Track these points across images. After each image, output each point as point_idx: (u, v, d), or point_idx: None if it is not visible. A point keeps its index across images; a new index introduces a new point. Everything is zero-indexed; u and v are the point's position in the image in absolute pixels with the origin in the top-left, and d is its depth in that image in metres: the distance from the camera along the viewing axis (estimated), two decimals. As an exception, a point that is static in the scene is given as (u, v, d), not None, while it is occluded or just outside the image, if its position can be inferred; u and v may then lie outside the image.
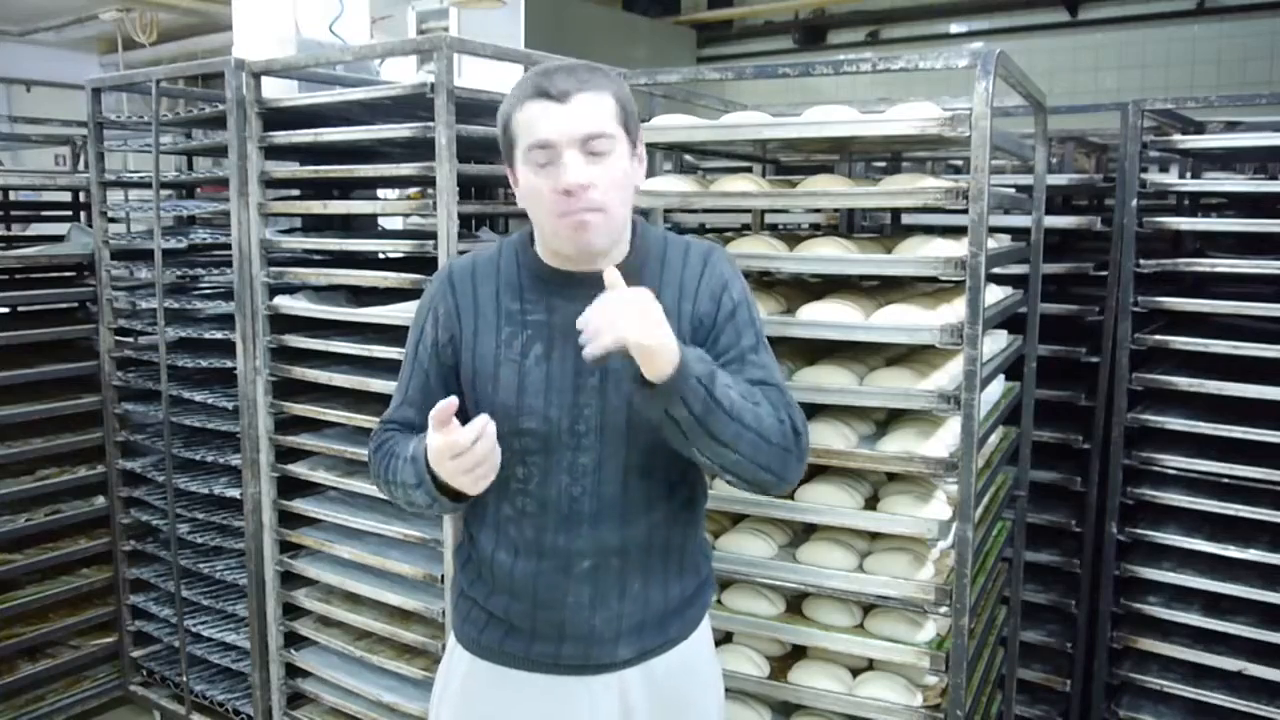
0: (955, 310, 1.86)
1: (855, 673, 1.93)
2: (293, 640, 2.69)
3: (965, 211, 1.67)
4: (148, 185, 2.78)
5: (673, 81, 2.15)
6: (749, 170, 2.92)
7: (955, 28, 5.97)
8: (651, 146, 1.98)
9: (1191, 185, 2.62)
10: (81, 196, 3.56)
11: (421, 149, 2.16)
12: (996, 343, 2.15)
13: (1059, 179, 2.67)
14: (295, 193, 2.95)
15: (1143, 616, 2.51)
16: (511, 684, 1.43)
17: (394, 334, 2.29)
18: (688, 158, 2.81)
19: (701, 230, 2.93)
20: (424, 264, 2.25)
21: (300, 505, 2.58)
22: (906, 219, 2.72)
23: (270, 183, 2.52)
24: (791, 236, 2.13)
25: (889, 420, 1.99)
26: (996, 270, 2.29)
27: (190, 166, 3.20)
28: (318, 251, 2.75)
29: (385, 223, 3.55)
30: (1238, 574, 2.37)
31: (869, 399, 1.84)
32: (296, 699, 2.72)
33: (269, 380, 2.56)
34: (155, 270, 2.75)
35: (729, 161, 3.04)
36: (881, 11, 6.13)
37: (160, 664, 3.09)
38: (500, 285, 1.41)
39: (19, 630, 2.97)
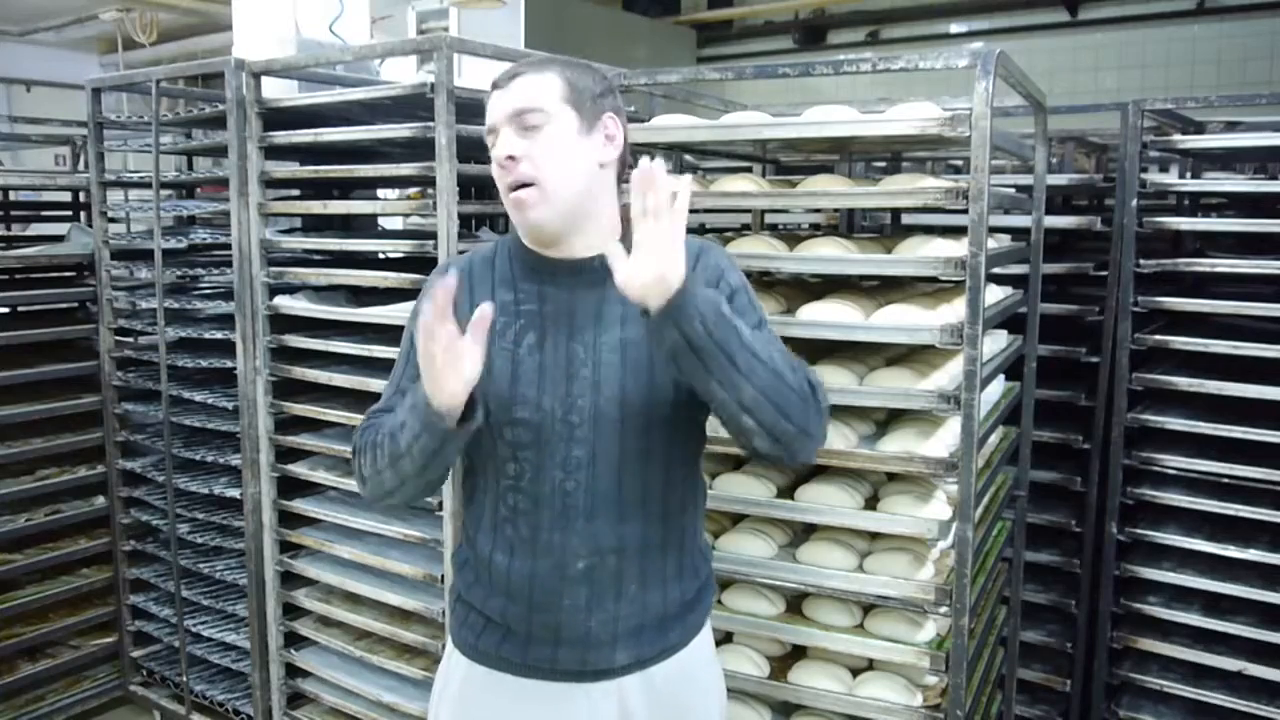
0: (955, 310, 1.86)
1: (855, 673, 1.93)
2: (293, 640, 2.69)
3: (965, 211, 1.67)
4: (148, 185, 2.78)
5: (673, 81, 2.15)
6: (749, 170, 2.92)
7: (955, 28, 5.97)
8: (651, 146, 1.98)
9: (1191, 185, 2.62)
10: (81, 196, 3.56)
11: (421, 149, 2.16)
12: (996, 343, 2.15)
13: (1059, 179, 2.67)
14: (295, 193, 2.95)
15: (1143, 616, 2.51)
16: (509, 690, 1.43)
17: (394, 334, 2.27)
18: (688, 158, 2.81)
19: (702, 230, 2.92)
20: (424, 264, 2.25)
21: (300, 505, 2.58)
22: (906, 219, 2.72)
23: (270, 183, 2.52)
24: (791, 236, 2.12)
25: (889, 420, 1.99)
26: (996, 270, 2.29)
27: (190, 166, 3.20)
28: (318, 251, 2.75)
29: (385, 223, 3.55)
30: (1238, 574, 2.37)
31: (869, 399, 1.84)
32: (296, 699, 2.72)
33: (269, 380, 2.56)
34: (155, 270, 2.75)
35: (729, 161, 3.04)
36: (881, 11, 6.13)
37: (160, 664, 3.09)
38: (496, 279, 1.42)
39: (19, 630, 2.97)
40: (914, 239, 1.94)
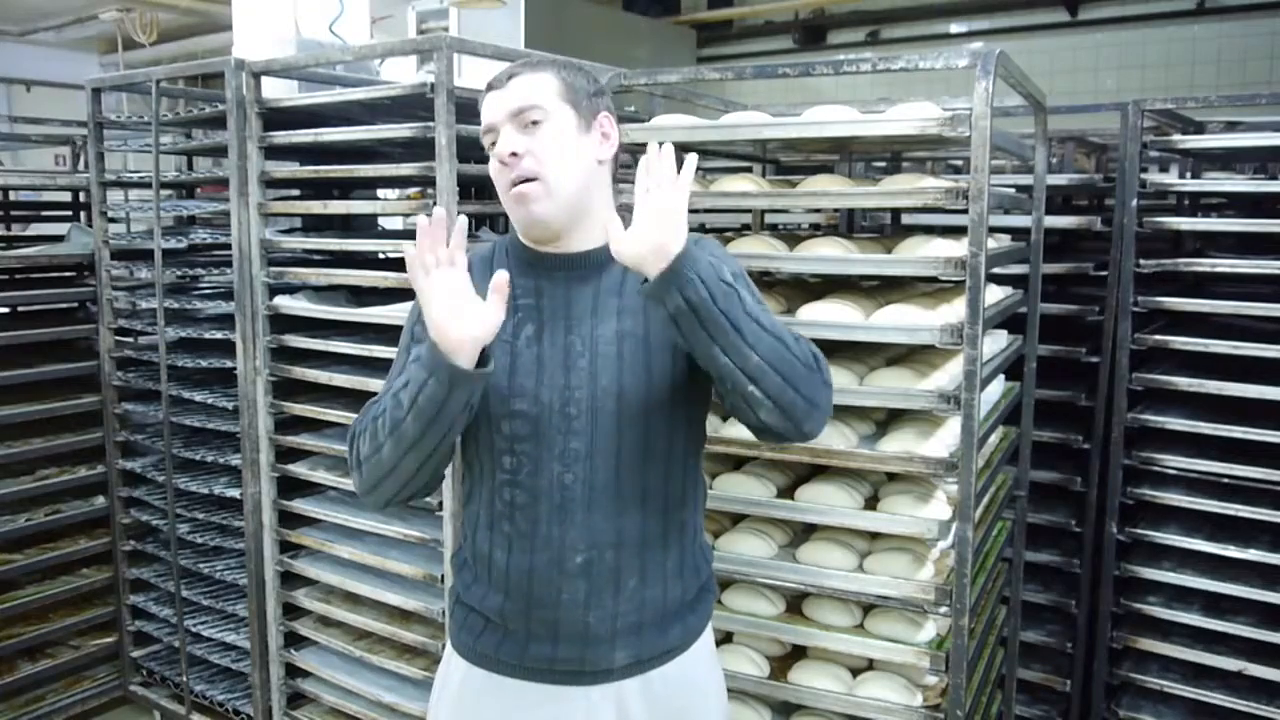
0: (955, 310, 1.86)
1: (855, 673, 1.93)
2: (293, 640, 2.69)
3: (965, 211, 1.67)
4: (148, 185, 2.78)
5: (673, 81, 2.15)
6: (749, 170, 2.92)
7: (955, 28, 5.97)
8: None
9: (1191, 185, 2.62)
10: (81, 196, 3.56)
11: (421, 149, 2.16)
12: (996, 343, 2.15)
13: (1059, 179, 2.67)
14: (295, 193, 2.95)
15: (1143, 616, 2.51)
16: (508, 693, 1.42)
17: (394, 334, 2.27)
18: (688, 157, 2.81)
19: (702, 230, 2.92)
20: (424, 264, 2.25)
21: (300, 505, 2.58)
22: (906, 219, 2.73)
23: (270, 183, 2.52)
24: (791, 236, 2.13)
25: (889, 420, 1.99)
26: (996, 270, 2.29)
27: (190, 166, 3.20)
28: (318, 251, 2.75)
29: (385, 223, 3.55)
30: (1238, 574, 2.37)
31: (869, 399, 1.84)
32: (296, 699, 2.72)
33: (269, 380, 2.56)
34: (155, 270, 2.75)
35: (729, 161, 3.04)
36: (881, 11, 6.13)
37: (160, 664, 3.09)
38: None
39: (19, 630, 2.97)
40: (914, 239, 1.94)
